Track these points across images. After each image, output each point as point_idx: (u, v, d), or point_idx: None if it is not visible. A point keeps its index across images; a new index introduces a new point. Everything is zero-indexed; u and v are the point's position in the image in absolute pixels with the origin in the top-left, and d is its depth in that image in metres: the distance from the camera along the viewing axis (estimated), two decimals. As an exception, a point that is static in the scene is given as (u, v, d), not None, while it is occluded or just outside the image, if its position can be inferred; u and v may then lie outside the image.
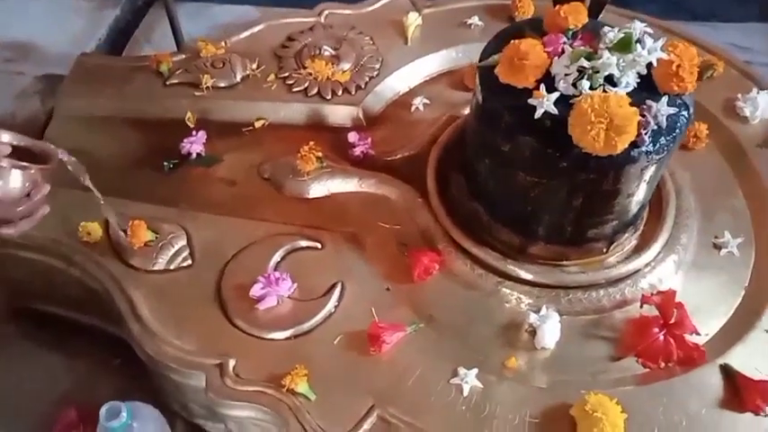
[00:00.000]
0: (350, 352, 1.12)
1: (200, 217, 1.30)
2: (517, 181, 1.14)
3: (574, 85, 1.06)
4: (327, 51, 1.57)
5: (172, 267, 1.22)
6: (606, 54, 1.05)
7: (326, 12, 1.69)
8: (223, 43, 1.61)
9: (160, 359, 1.11)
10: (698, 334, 1.14)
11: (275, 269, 1.21)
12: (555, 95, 1.05)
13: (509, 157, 1.12)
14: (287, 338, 1.14)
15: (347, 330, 1.15)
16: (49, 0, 2.24)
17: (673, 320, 1.14)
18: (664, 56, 1.07)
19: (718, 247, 1.30)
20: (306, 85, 1.52)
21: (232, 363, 1.09)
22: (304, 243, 1.26)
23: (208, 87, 1.51)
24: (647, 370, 1.13)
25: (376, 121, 1.52)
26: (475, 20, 1.66)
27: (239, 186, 1.38)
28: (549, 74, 1.08)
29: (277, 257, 1.23)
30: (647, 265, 1.24)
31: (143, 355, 1.15)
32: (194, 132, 1.41)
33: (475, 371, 1.09)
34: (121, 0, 2.23)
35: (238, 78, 1.54)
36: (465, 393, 1.07)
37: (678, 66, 1.06)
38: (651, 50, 1.06)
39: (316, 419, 1.04)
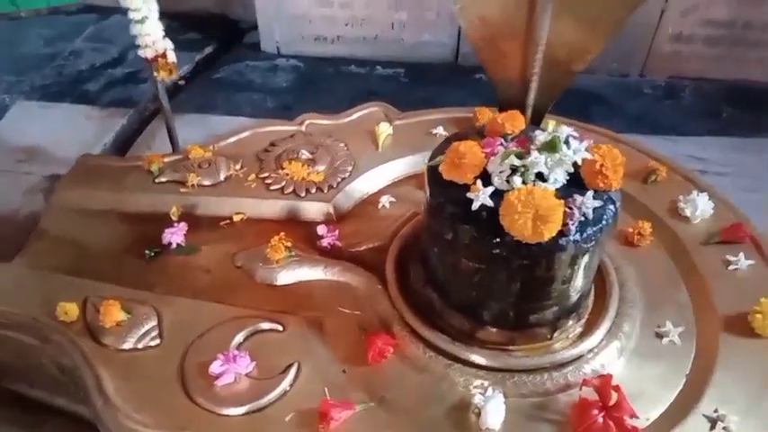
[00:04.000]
0: (300, 429, 1.17)
1: (172, 300, 1.39)
2: (461, 267, 1.23)
3: (507, 181, 1.18)
4: (304, 155, 1.73)
5: (140, 346, 1.30)
6: (535, 153, 1.18)
7: (307, 122, 1.87)
8: (211, 147, 1.77)
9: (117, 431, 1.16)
10: (636, 417, 1.19)
11: (237, 349, 1.28)
12: (490, 189, 1.17)
13: (453, 245, 1.22)
14: (242, 414, 1.19)
15: (300, 408, 1.20)
16: (67, 107, 2.46)
17: (612, 403, 1.19)
18: (588, 156, 1.20)
19: (660, 336, 1.37)
20: (283, 183, 1.66)
21: (186, 437, 1.15)
22: (266, 325, 1.35)
23: (193, 185, 1.65)
24: (589, 452, 1.17)
25: (345, 216, 1.64)
26: (440, 129, 1.83)
27: (213, 273, 1.49)
28: (487, 172, 1.21)
29: (240, 338, 1.31)
30: (590, 351, 1.31)
31: (101, 426, 1.20)
32: (176, 224, 1.54)
33: (420, 449, 1.13)
34: (129, 111, 2.46)
35: (222, 177, 1.69)
36: (408, 470, 1.11)
37: (601, 165, 1.18)
38: (576, 151, 1.19)
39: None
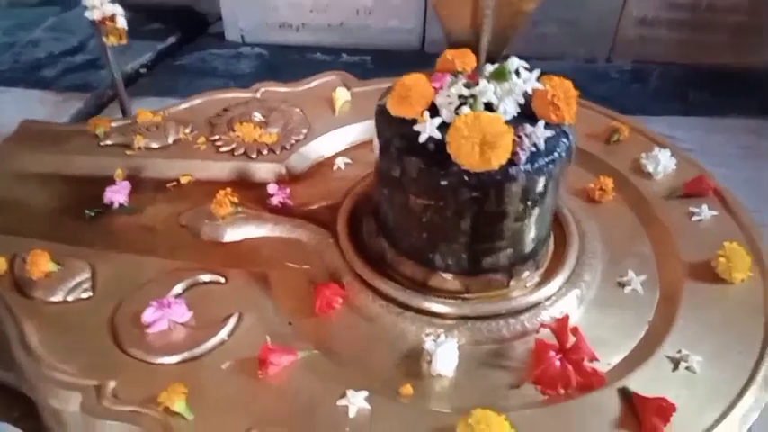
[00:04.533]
0: (237, 376, 1.10)
1: (109, 255, 1.32)
2: (411, 206, 1.17)
3: (456, 113, 1.13)
4: (257, 117, 1.67)
5: (70, 299, 1.22)
6: (484, 82, 1.13)
7: (263, 89, 1.82)
8: (162, 113, 1.71)
9: (38, 383, 1.08)
10: (597, 359, 1.12)
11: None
12: (438, 120, 1.11)
13: (401, 183, 1.16)
14: (176, 363, 1.11)
15: (239, 357, 1.12)
16: (20, 92, 2.40)
17: (569, 345, 1.13)
18: (539, 86, 1.15)
19: (622, 285, 1.31)
20: (233, 146, 1.60)
21: (112, 384, 1.06)
22: (207, 277, 1.27)
23: (140, 148, 1.58)
24: (547, 397, 1.10)
25: (299, 178, 1.58)
26: (399, 94, 1.77)
27: (156, 232, 1.41)
28: (435, 106, 1.16)
29: (178, 289, 1.23)
30: (548, 298, 1.24)
31: (25, 385, 1.11)
32: (118, 183, 1.46)
33: (364, 393, 1.06)
34: (86, 95, 2.39)
35: (170, 141, 1.62)
36: (351, 415, 1.04)
37: (553, 95, 1.14)
38: (526, 80, 1.15)
39: (190, 438, 0.99)
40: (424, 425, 1.03)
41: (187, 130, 1.65)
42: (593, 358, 1.12)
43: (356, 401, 1.05)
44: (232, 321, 1.18)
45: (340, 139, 1.68)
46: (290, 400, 1.06)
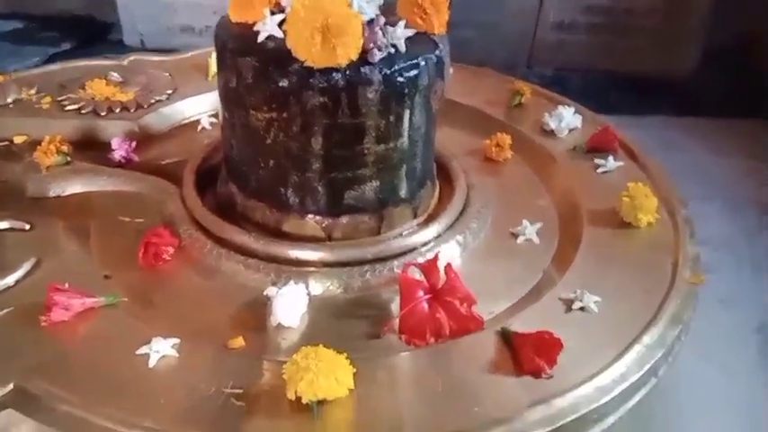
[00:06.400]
0: (12, 325, 0.85)
1: None
2: (253, 126, 0.98)
3: (304, 13, 0.95)
4: (114, 77, 1.47)
5: None
6: (335, -23, 0.97)
7: (132, 57, 1.62)
8: (8, 75, 1.49)
9: None
10: (474, 302, 0.91)
11: (-42, 247, 0.96)
12: (279, 17, 0.94)
13: (239, 94, 0.97)
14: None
15: (23, 305, 0.88)
16: None
17: (441, 285, 0.92)
18: (401, -15, 0.99)
19: (515, 235, 1.12)
20: (81, 104, 1.38)
21: None
22: (5, 224, 1.03)
23: (-31, 106, 1.36)
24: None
25: (156, 137, 1.36)
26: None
27: (-34, 189, 1.17)
28: (282, 9, 0.98)
29: (-35, 235, 0.99)
30: (424, 244, 1.04)
31: None
32: (-74, 135, 1.23)
33: (174, 341, 0.82)
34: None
35: (9, 100, 1.39)
36: (151, 364, 0.80)
37: (417, -4, 0.98)
38: (385, -23, 0.99)
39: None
40: (247, 373, 0.80)
41: (32, 91, 1.43)
42: (469, 301, 0.91)
43: (161, 349, 0.81)
44: (24, 267, 0.94)
45: (208, 101, 1.47)
46: (75, 350, 0.82)
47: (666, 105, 2.39)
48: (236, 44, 0.96)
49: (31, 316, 0.85)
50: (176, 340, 0.82)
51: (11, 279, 0.92)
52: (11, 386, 0.76)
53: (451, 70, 1.11)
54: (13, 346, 0.82)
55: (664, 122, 2.28)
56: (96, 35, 2.73)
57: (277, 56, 0.91)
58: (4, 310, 0.86)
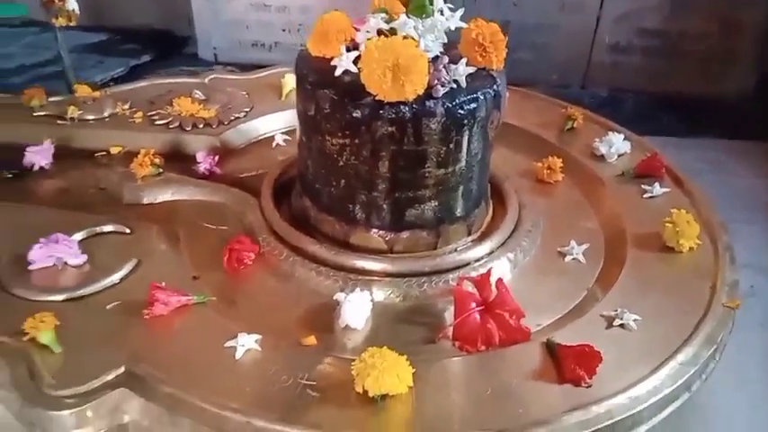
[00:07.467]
0: (120, 316, 0.99)
1: (8, 207, 1.23)
2: (327, 151, 1.10)
3: (375, 47, 1.07)
4: (198, 95, 1.62)
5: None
6: (403, 17, 1.08)
7: (212, 76, 1.77)
8: (104, 90, 1.66)
9: None
10: (522, 315, 1.01)
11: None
12: (354, 54, 1.05)
13: (316, 121, 1.09)
14: (60, 302, 1.01)
15: (128, 300, 1.02)
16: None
17: (492, 298, 1.02)
18: (463, 25, 1.10)
19: (563, 254, 1.21)
20: (169, 119, 1.54)
21: (-19, 318, 0.96)
22: (110, 227, 1.18)
23: (72, 118, 1.52)
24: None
25: (234, 152, 1.51)
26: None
27: (72, 193, 1.33)
28: (357, 46, 1.10)
29: (78, 236, 1.14)
30: (477, 259, 1.14)
31: None
32: (39, 145, 1.40)
33: (257, 336, 0.95)
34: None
35: (106, 114, 1.56)
36: (238, 356, 0.92)
37: (478, 34, 1.08)
38: (449, 17, 1.09)
39: (52, 371, 0.88)
40: (320, 368, 0.91)
41: (125, 106, 1.59)
42: (518, 314, 1.01)
43: (246, 343, 0.93)
44: (128, 267, 1.08)
45: (282, 119, 1.61)
46: (173, 340, 0.95)
47: (718, 128, 2.42)
48: (316, 77, 1.08)
49: (134, 310, 0.99)
50: (259, 336, 0.95)
51: (116, 277, 1.06)
52: (122, 368, 0.89)
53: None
54: (122, 335, 0.95)
55: (713, 145, 2.31)
56: (173, 48, 2.92)
57: (352, 89, 1.03)
58: (113, 303, 1.01)
